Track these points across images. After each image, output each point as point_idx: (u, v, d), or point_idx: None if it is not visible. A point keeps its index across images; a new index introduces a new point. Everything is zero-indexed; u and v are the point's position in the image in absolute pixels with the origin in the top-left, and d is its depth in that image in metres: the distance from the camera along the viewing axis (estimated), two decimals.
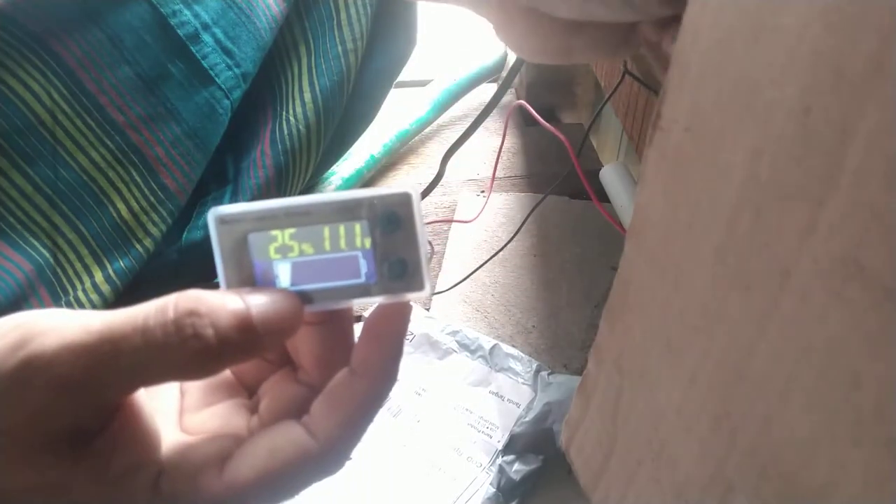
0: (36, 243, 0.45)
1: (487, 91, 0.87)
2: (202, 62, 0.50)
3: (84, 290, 0.46)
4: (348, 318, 0.25)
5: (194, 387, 0.25)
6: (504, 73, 0.88)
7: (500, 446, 0.48)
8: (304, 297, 0.22)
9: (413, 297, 0.22)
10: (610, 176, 0.57)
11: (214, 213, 0.22)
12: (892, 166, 0.14)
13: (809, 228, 0.16)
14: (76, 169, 0.46)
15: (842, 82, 0.15)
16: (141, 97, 0.48)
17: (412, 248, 0.22)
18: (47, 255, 0.45)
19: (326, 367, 0.23)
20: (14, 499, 0.18)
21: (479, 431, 0.49)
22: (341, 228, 0.22)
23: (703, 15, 0.19)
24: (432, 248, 0.67)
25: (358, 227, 0.22)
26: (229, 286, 0.22)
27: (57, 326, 0.18)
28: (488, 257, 0.63)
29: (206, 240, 0.55)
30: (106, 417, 0.20)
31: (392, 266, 0.22)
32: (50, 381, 0.18)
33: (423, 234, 0.22)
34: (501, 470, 0.47)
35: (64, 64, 0.44)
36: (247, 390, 0.26)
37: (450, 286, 0.61)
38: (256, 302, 0.20)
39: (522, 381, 0.52)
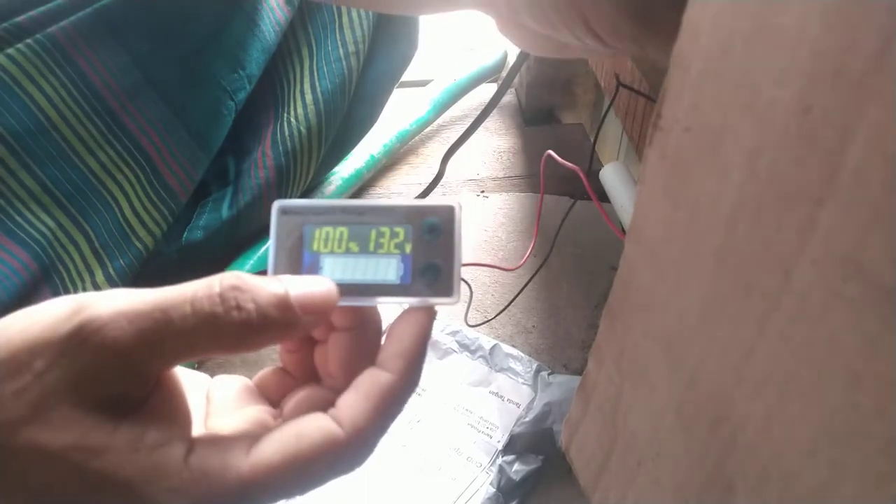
0: (43, 242, 0.45)
1: (487, 91, 0.87)
2: (209, 68, 0.51)
3: (84, 289, 0.47)
4: (377, 326, 0.25)
5: (220, 394, 0.26)
6: (504, 73, 0.88)
7: (500, 446, 0.48)
8: (342, 290, 0.23)
9: (440, 303, 0.24)
10: (610, 176, 0.57)
11: (278, 205, 0.24)
12: (892, 166, 0.14)
13: (809, 228, 0.16)
14: (84, 170, 0.46)
15: (842, 82, 0.15)
16: (150, 101, 0.48)
17: (448, 257, 0.24)
18: (52, 254, 0.45)
19: (353, 373, 0.23)
20: (54, 456, 0.19)
21: (479, 431, 0.49)
22: (387, 231, 0.24)
23: (703, 15, 0.19)
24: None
25: (402, 232, 0.24)
26: (277, 273, 0.24)
27: (113, 296, 0.20)
28: (491, 259, 0.63)
29: (206, 240, 0.56)
30: (148, 389, 0.21)
31: (426, 271, 0.24)
32: (103, 344, 0.19)
33: (461, 246, 0.24)
34: (501, 470, 0.47)
35: (77, 67, 0.44)
36: (271, 404, 0.27)
37: (483, 321, 0.61)
38: (294, 284, 0.22)
39: (522, 381, 0.52)
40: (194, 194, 0.54)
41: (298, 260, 0.24)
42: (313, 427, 0.21)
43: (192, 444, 0.21)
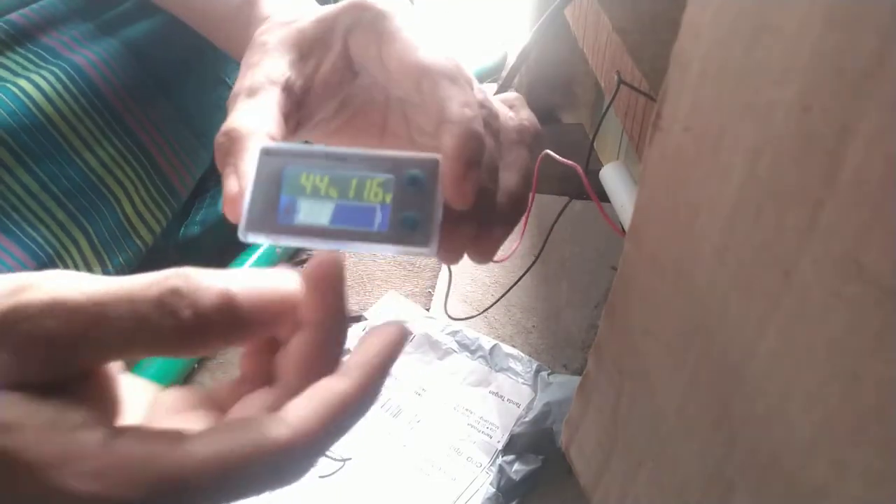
0: (41, 240, 0.45)
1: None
2: (214, 65, 0.51)
3: None
4: (340, 326, 0.24)
5: (164, 400, 0.25)
6: (504, 73, 0.88)
7: (500, 446, 0.48)
8: (317, 233, 0.23)
9: (416, 252, 0.23)
10: (610, 176, 0.57)
11: (262, 147, 0.24)
12: (892, 166, 0.14)
13: (809, 228, 0.16)
14: (83, 167, 0.46)
15: (842, 82, 0.15)
16: (153, 98, 0.48)
17: (427, 208, 0.23)
18: (51, 252, 0.45)
19: (310, 377, 0.22)
20: None
21: (479, 431, 0.49)
22: (368, 180, 0.24)
23: (703, 15, 0.19)
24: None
25: (383, 182, 0.23)
26: (251, 213, 0.23)
27: (53, 284, 0.19)
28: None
29: (204, 235, 0.56)
30: (79, 378, 0.20)
31: (404, 220, 0.23)
32: (31, 332, 0.18)
33: (440, 198, 0.23)
34: (501, 470, 0.47)
35: (75, 65, 0.44)
36: (222, 411, 0.25)
37: (475, 313, 0.61)
38: (242, 283, 0.20)
39: (522, 381, 0.52)
40: (192, 191, 0.55)
41: (275, 201, 0.24)
42: (253, 426, 0.20)
43: (116, 431, 0.19)
